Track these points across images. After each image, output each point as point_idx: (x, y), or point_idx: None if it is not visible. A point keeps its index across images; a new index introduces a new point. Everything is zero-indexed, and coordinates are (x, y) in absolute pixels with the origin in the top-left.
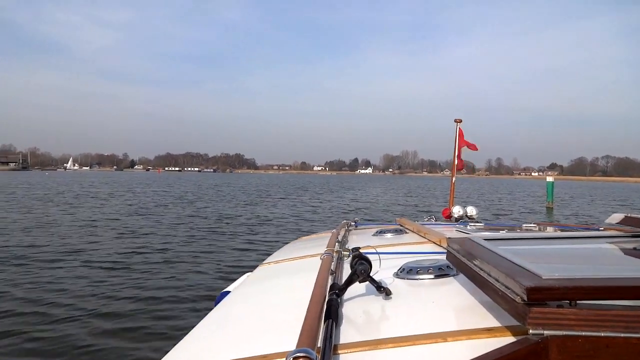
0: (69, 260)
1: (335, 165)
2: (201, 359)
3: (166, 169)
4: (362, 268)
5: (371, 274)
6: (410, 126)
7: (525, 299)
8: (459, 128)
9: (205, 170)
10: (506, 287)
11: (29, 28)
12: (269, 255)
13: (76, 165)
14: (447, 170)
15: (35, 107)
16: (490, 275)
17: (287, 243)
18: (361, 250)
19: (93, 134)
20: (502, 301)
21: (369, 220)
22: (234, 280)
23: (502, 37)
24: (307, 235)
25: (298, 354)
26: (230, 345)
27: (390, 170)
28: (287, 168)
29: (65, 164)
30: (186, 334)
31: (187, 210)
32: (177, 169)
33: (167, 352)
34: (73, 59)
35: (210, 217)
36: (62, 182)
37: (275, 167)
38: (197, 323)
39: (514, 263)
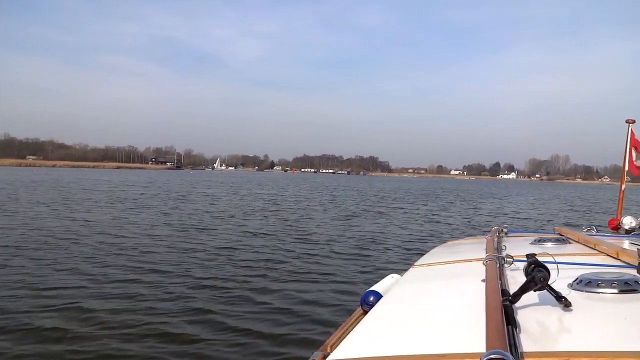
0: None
1: (474, 170)
2: (379, 353)
3: (302, 170)
4: (540, 275)
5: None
6: (562, 129)
7: None
8: (631, 130)
9: (339, 172)
10: None
11: (190, 44)
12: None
13: (223, 165)
14: (606, 177)
15: (194, 112)
16: None
17: (435, 247)
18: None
19: (240, 136)
20: None
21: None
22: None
23: None
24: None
25: (493, 356)
26: (404, 342)
27: (537, 176)
28: (422, 171)
29: (214, 164)
30: (333, 331)
31: (272, 219)
32: (312, 170)
33: (321, 345)
34: (226, 69)
35: (308, 226)
36: (190, 181)
37: (410, 171)
38: (345, 320)
39: None
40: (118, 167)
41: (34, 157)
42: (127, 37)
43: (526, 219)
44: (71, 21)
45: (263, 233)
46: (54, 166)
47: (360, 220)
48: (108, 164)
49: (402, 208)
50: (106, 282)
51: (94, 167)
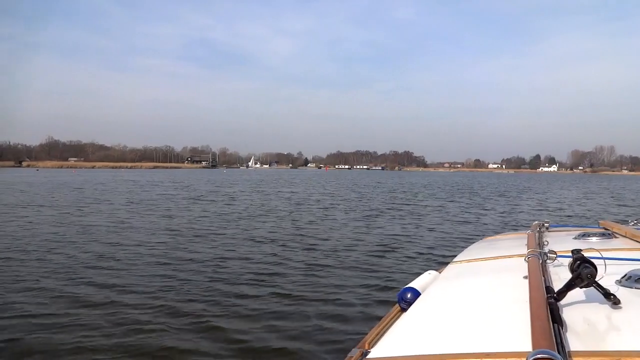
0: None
1: (513, 163)
2: (420, 351)
3: (336, 166)
4: (587, 272)
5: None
6: (607, 119)
7: None
8: None
9: (374, 167)
10: None
11: (224, 43)
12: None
13: (257, 163)
14: None
15: (229, 111)
16: None
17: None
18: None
19: (274, 134)
20: None
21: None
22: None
23: None
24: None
25: (540, 355)
26: (446, 340)
27: (580, 168)
28: (458, 166)
29: (248, 163)
30: (372, 327)
31: (287, 220)
32: (347, 166)
33: (358, 341)
34: (260, 68)
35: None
36: (217, 180)
37: (446, 165)
38: (382, 318)
39: None
40: (155, 167)
41: (76, 159)
42: (162, 38)
43: (571, 216)
44: (109, 26)
45: (272, 236)
46: (93, 167)
47: (384, 221)
48: (145, 164)
49: (430, 206)
50: (43, 314)
51: (131, 167)
